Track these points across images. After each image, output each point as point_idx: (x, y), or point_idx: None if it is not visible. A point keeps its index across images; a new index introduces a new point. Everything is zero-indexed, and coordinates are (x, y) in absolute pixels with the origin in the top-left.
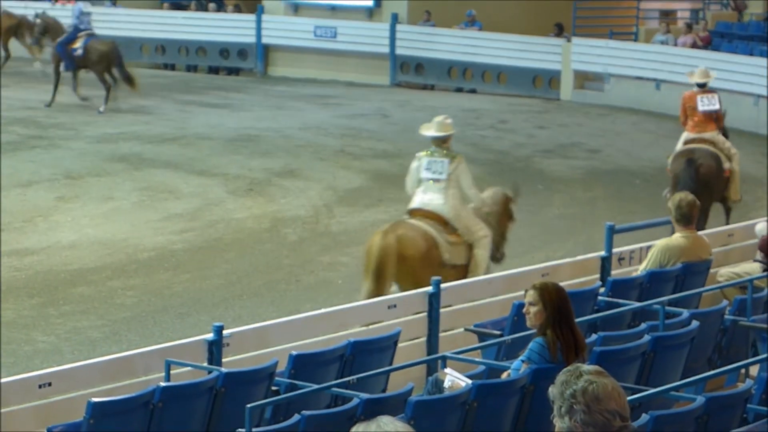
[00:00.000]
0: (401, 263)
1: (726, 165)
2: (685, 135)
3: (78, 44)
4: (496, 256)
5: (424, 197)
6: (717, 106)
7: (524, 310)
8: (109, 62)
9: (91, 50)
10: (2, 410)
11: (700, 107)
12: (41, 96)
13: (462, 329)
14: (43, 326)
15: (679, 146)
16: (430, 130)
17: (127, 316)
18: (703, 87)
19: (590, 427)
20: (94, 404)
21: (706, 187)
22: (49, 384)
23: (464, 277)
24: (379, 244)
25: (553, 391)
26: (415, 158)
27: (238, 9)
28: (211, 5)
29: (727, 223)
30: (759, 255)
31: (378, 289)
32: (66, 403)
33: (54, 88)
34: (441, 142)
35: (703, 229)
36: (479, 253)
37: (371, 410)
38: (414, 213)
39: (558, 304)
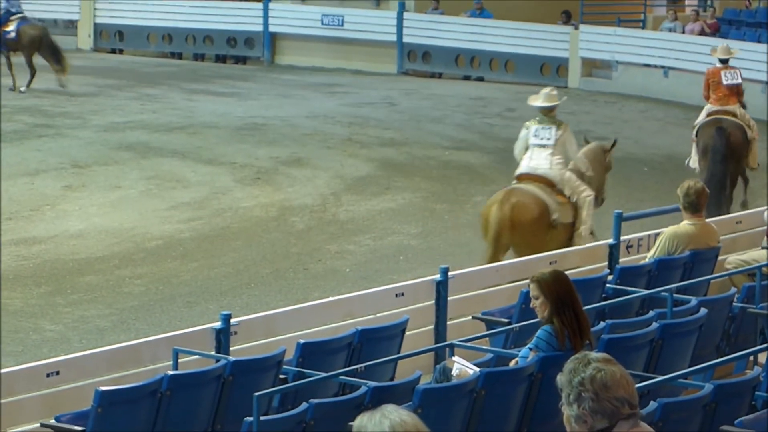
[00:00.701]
0: (517, 230)
1: (749, 134)
2: (708, 107)
3: (11, 27)
4: (597, 203)
5: (531, 162)
6: (739, 80)
7: (531, 304)
8: (39, 46)
9: (23, 34)
10: (10, 399)
11: (724, 81)
12: (47, 85)
13: (470, 317)
14: (51, 315)
15: (703, 118)
16: (537, 101)
17: (135, 304)
18: (725, 63)
19: (598, 414)
20: (102, 393)
21: (733, 154)
22: (57, 373)
23: (572, 234)
24: (496, 215)
25: (561, 378)
26: (524, 126)
27: None
28: None
29: (745, 195)
30: (767, 242)
31: (496, 256)
32: (74, 391)
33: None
34: (547, 111)
35: (730, 197)
36: (584, 213)
37: (379, 398)
38: (522, 178)
39: (558, 292)
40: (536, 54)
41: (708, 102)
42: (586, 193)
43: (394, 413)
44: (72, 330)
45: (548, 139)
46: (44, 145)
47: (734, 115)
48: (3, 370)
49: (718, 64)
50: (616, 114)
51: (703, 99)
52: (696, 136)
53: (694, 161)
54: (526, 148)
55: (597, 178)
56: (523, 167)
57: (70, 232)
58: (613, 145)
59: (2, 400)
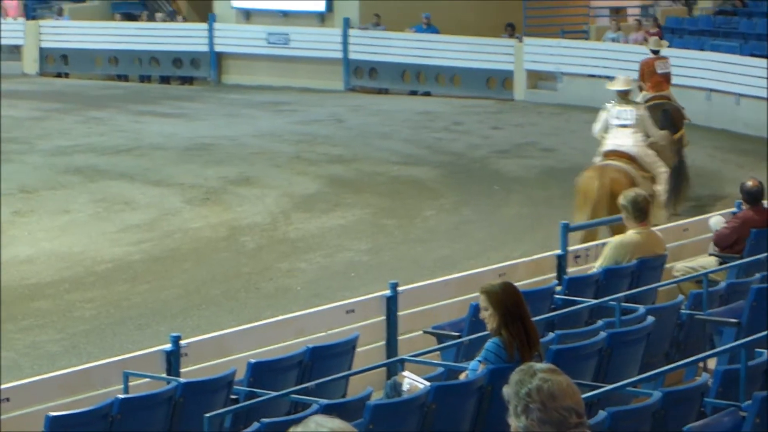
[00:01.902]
0: (613, 200)
1: (686, 115)
2: (644, 95)
3: None
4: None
5: (615, 141)
6: (670, 69)
7: (480, 316)
8: None
9: None
10: None
11: (658, 70)
12: None
13: (421, 332)
14: (1, 342)
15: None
16: (616, 85)
17: (86, 328)
18: (657, 53)
19: (546, 425)
20: (53, 418)
21: (677, 129)
22: (8, 399)
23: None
24: (596, 185)
25: (507, 390)
26: (604, 109)
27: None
28: (158, 15)
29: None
30: (713, 249)
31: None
32: (25, 417)
33: None
34: (624, 94)
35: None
36: (660, 187)
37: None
38: (608, 155)
39: (507, 304)
40: (482, 67)
41: (642, 90)
42: (663, 169)
43: (327, 422)
44: (23, 356)
45: (629, 119)
46: None
47: (669, 99)
48: None
49: (651, 55)
50: (562, 125)
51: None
52: None
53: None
54: (609, 128)
55: (666, 155)
56: (608, 145)
57: (20, 258)
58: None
59: None
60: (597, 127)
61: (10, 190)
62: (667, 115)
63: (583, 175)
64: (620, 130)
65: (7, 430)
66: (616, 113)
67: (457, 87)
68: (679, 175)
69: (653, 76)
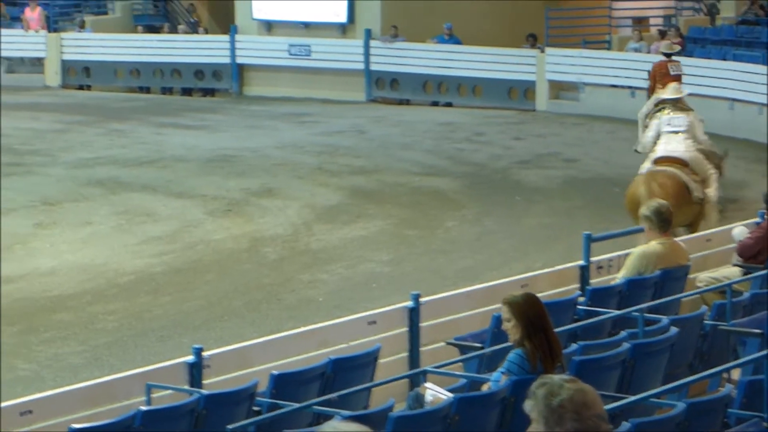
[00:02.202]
0: None
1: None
2: (656, 97)
3: None
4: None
5: (668, 147)
6: (681, 71)
7: (502, 327)
8: None
9: None
10: None
11: (671, 72)
12: (17, 123)
13: (443, 343)
14: (24, 354)
15: (652, 105)
16: (668, 93)
17: (109, 340)
18: (669, 56)
19: None
20: (75, 431)
21: None
22: (30, 411)
23: (703, 208)
24: (645, 192)
25: (532, 403)
26: (654, 117)
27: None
28: (180, 27)
29: None
30: (737, 259)
31: None
32: (47, 430)
33: None
34: (676, 101)
35: None
36: (712, 188)
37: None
38: (661, 161)
39: (530, 315)
40: (504, 78)
41: (654, 93)
42: (712, 171)
43: (345, 426)
44: (46, 368)
45: (680, 126)
46: (14, 183)
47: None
48: None
49: (663, 58)
50: (584, 135)
51: (648, 91)
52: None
53: (643, 146)
54: (661, 135)
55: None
56: (660, 152)
57: (42, 270)
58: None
59: None
60: (648, 133)
61: (32, 202)
62: None
63: (633, 182)
64: (672, 136)
65: None
66: (668, 120)
67: (478, 98)
68: None
69: (665, 78)
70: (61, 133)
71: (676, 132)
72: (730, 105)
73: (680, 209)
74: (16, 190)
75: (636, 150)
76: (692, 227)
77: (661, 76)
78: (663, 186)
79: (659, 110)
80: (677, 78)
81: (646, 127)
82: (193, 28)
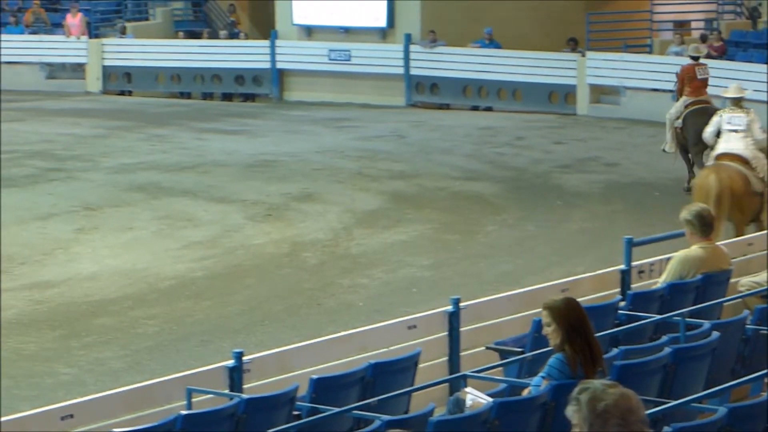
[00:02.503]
0: (733, 196)
1: None
2: (685, 99)
3: None
4: None
5: (728, 145)
6: (708, 75)
7: (543, 331)
8: None
9: None
10: None
11: (698, 76)
12: (58, 129)
13: (483, 347)
14: (65, 358)
15: (681, 107)
16: (729, 93)
17: (149, 345)
18: (696, 60)
19: None
20: None
21: None
22: (71, 416)
23: (763, 202)
24: (716, 182)
25: (575, 408)
26: (716, 114)
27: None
28: (222, 32)
29: None
30: None
31: (720, 220)
32: None
33: None
34: (737, 101)
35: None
36: None
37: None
38: (721, 157)
39: (570, 319)
40: (544, 82)
41: (682, 95)
42: None
43: None
44: (87, 372)
45: (740, 125)
46: (56, 188)
47: (709, 102)
48: (17, 415)
49: (691, 62)
50: (625, 139)
51: (676, 93)
52: (684, 123)
53: (670, 146)
54: (721, 133)
55: None
56: (721, 149)
57: (83, 275)
58: None
59: None
60: (708, 131)
61: (74, 207)
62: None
63: (700, 174)
64: (732, 135)
65: None
66: (728, 119)
67: (519, 102)
68: None
69: (693, 81)
70: (102, 138)
71: (736, 131)
72: None
73: (745, 200)
74: (57, 195)
75: (663, 150)
76: (759, 223)
77: (689, 79)
78: (731, 177)
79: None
80: (704, 82)
81: (675, 127)
82: (231, 30)
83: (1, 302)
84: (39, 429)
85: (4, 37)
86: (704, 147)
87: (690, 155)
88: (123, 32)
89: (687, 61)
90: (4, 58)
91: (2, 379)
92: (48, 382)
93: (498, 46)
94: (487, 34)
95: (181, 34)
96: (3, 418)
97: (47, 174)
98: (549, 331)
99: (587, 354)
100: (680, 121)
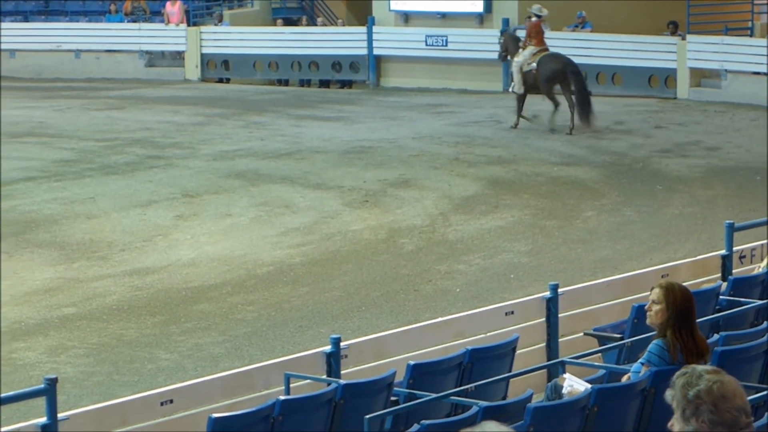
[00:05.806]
0: None
1: None
2: (532, 48)
3: None
4: None
5: None
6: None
7: (646, 307)
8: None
9: None
10: (124, 429)
11: (544, 30)
12: (158, 117)
13: (581, 334)
14: (165, 344)
15: (529, 56)
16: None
17: (248, 331)
18: (540, 18)
19: (718, 426)
20: (215, 419)
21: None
22: (171, 401)
23: None
24: None
25: (672, 393)
26: None
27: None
28: (319, 19)
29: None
30: None
31: None
32: (187, 419)
33: None
34: None
35: None
36: None
37: (491, 418)
38: None
39: (681, 305)
40: (643, 66)
41: (528, 45)
42: None
43: (494, 427)
44: (187, 358)
45: None
46: (155, 176)
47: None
48: (117, 401)
49: (535, 19)
50: (726, 123)
51: (522, 45)
52: (538, 66)
53: (519, 87)
54: None
55: None
56: None
57: (183, 261)
58: None
59: (117, 431)
60: None
61: (173, 194)
62: (568, 60)
63: None
64: None
65: (171, 431)
66: None
67: (617, 86)
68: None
69: (539, 34)
70: (201, 126)
71: None
72: None
73: None
74: (157, 182)
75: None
76: None
77: (535, 33)
78: None
79: None
80: (543, 34)
81: None
82: (332, 20)
83: (0, 311)
84: (139, 414)
85: (104, 25)
86: None
87: None
88: (220, 20)
89: None
90: (104, 47)
91: (104, 364)
92: (148, 367)
93: (588, 27)
94: (579, 18)
95: (279, 21)
96: (104, 404)
97: (147, 161)
98: (654, 309)
99: (691, 344)
100: (533, 64)
